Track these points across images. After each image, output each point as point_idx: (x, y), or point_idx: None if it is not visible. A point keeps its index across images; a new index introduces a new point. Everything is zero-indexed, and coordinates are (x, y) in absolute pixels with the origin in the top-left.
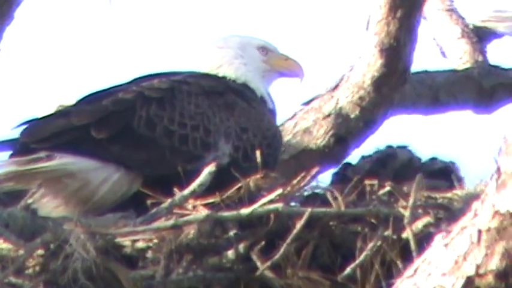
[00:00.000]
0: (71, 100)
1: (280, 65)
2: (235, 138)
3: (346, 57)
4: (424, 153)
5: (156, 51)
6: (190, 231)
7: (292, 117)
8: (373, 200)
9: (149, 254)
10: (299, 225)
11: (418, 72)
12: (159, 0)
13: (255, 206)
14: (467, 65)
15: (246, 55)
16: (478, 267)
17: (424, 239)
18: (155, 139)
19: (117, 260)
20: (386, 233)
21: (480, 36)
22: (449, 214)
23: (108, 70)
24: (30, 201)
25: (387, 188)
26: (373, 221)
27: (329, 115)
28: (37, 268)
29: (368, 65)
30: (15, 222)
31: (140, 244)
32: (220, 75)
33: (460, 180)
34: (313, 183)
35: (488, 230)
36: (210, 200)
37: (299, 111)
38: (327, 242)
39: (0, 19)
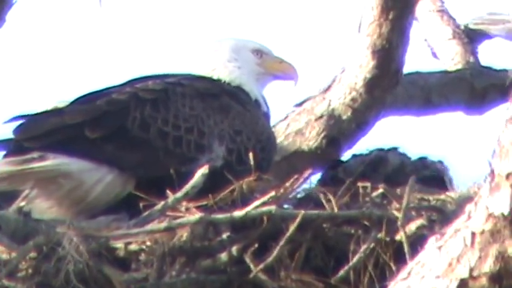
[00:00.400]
0: (65, 101)
1: (275, 68)
2: (229, 141)
3: (338, 58)
4: (415, 154)
5: (151, 53)
6: (184, 234)
7: (285, 118)
8: (367, 202)
9: (142, 257)
10: (292, 227)
11: (410, 74)
12: (155, 2)
13: (248, 208)
14: (459, 66)
15: (240, 58)
16: (471, 269)
17: (417, 241)
18: (149, 140)
19: (110, 262)
20: (379, 235)
21: (471, 37)
22: (442, 216)
23: (102, 71)
24: (22, 203)
25: (380, 190)
26: (366, 223)
27: (321, 116)
28: (30, 271)
29: (360, 66)
30: (7, 225)
31: (133, 246)
32: (214, 77)
33: (450, 181)
34: (306, 186)
35: (482, 232)
36: (203, 203)
37: (291, 113)
38: (320, 244)
39: None
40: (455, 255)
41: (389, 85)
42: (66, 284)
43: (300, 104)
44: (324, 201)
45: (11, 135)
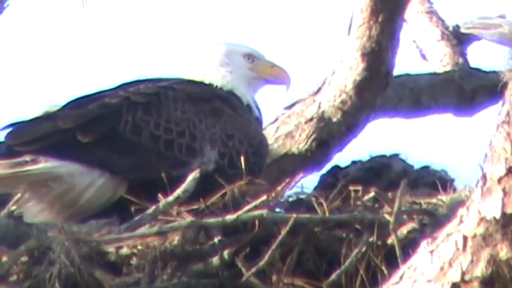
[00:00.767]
0: (57, 104)
1: (267, 73)
2: (221, 145)
3: (328, 61)
4: (416, 162)
5: (143, 57)
6: (175, 238)
7: (274, 121)
8: (358, 205)
9: (133, 261)
10: (284, 231)
11: (399, 76)
12: (148, 6)
13: (240, 212)
14: (448, 68)
15: (231, 62)
16: (463, 273)
17: (409, 245)
18: (141, 144)
19: (101, 266)
20: (371, 239)
21: (460, 38)
22: (434, 220)
23: (94, 75)
24: (13, 207)
25: (372, 194)
26: (358, 227)
27: (311, 119)
28: (21, 275)
29: (350, 69)
30: None
31: (124, 251)
32: (206, 82)
33: (453, 190)
34: (298, 189)
35: (474, 236)
36: (195, 207)
37: (281, 116)
38: (312, 248)
39: None
40: (447, 259)
41: (380, 87)
42: None
43: (289, 107)
44: (315, 205)
45: (1, 138)
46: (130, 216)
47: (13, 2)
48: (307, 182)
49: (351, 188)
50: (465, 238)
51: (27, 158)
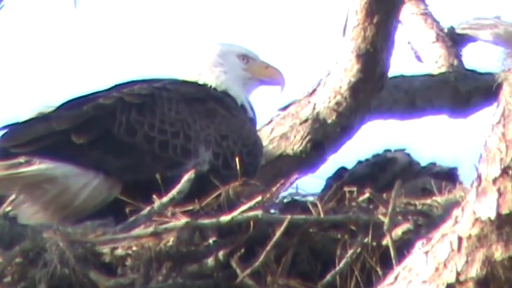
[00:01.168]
0: (50, 105)
1: (261, 73)
2: (215, 146)
3: (323, 62)
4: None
5: (137, 57)
6: (170, 239)
7: (269, 122)
8: (353, 206)
9: (128, 262)
10: (279, 232)
11: (394, 77)
12: (142, 6)
13: (235, 213)
14: (443, 69)
15: (226, 63)
16: (458, 274)
17: (404, 246)
18: (135, 145)
19: (96, 267)
20: (366, 240)
21: (455, 40)
22: (429, 221)
23: (88, 75)
24: (8, 208)
25: (367, 195)
26: (352, 228)
27: (306, 120)
28: (16, 276)
29: (345, 70)
30: None
31: (119, 252)
32: (200, 82)
33: (460, 183)
34: (293, 190)
35: (469, 237)
36: (190, 208)
37: (276, 117)
38: (307, 249)
39: None
40: (442, 260)
41: (374, 89)
42: None
43: (284, 108)
44: (310, 206)
45: None
46: (125, 217)
47: (8, 2)
48: (303, 185)
49: (346, 189)
50: (460, 239)
51: (22, 159)
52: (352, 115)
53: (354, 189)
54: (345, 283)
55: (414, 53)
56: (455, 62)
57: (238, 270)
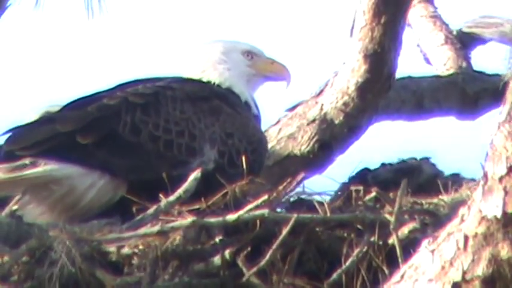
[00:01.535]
0: (57, 104)
1: (266, 69)
2: (220, 144)
3: (330, 63)
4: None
5: (140, 55)
6: (176, 238)
7: (276, 123)
8: (359, 205)
9: (135, 260)
10: (285, 231)
11: (402, 78)
12: (145, 5)
13: (241, 212)
14: (451, 72)
15: (229, 60)
16: (464, 273)
17: (410, 245)
18: (140, 145)
19: (103, 266)
20: (372, 239)
21: (464, 42)
22: (435, 220)
23: (92, 76)
24: (15, 207)
25: (373, 194)
26: (359, 226)
27: (313, 121)
28: (22, 275)
29: (352, 70)
30: (0, 229)
31: (126, 250)
32: (204, 80)
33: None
34: (299, 189)
35: (475, 235)
36: (196, 206)
37: (283, 117)
38: (313, 248)
39: None
40: (448, 259)
41: (382, 89)
42: None
43: (292, 109)
44: (316, 205)
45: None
46: (132, 216)
47: (14, 3)
48: (310, 184)
49: (352, 187)
50: (466, 237)
51: (27, 161)
52: (359, 115)
53: (360, 188)
54: (351, 282)
55: (423, 56)
56: (464, 64)
57: (244, 269)
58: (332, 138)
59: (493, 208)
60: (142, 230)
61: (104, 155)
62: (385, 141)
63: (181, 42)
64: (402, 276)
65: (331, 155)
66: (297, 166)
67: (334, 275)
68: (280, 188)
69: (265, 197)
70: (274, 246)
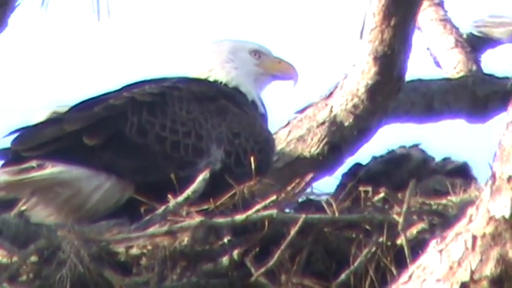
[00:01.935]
0: (65, 105)
1: (274, 68)
2: (227, 144)
3: (340, 65)
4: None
5: (147, 54)
6: (185, 238)
7: (286, 125)
8: (368, 206)
9: (143, 261)
10: (293, 231)
11: (412, 81)
12: (152, 4)
13: (249, 212)
14: (461, 75)
15: (236, 59)
16: (472, 273)
17: (418, 245)
18: (147, 145)
19: (111, 266)
20: (380, 240)
21: (474, 45)
22: (443, 220)
23: (98, 77)
24: (23, 208)
25: (382, 194)
26: (367, 227)
27: (323, 123)
28: (31, 275)
29: (362, 72)
30: (8, 229)
31: (134, 251)
32: (211, 79)
33: (474, 179)
34: (308, 190)
35: (483, 235)
36: (204, 207)
37: (293, 119)
38: (321, 248)
39: None
40: (456, 259)
41: (392, 91)
42: None
43: (301, 111)
44: (325, 206)
45: (8, 144)
46: (140, 216)
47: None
48: (319, 185)
49: (361, 188)
50: (474, 237)
51: (34, 163)
52: (369, 118)
53: (369, 188)
54: (360, 282)
55: (433, 59)
56: (474, 68)
57: (252, 269)
58: (342, 140)
59: (501, 208)
60: (151, 230)
61: (110, 156)
62: (394, 144)
63: (189, 41)
64: (410, 277)
65: (340, 157)
66: (306, 168)
67: (343, 276)
68: (289, 188)
69: (274, 197)
70: (282, 247)
